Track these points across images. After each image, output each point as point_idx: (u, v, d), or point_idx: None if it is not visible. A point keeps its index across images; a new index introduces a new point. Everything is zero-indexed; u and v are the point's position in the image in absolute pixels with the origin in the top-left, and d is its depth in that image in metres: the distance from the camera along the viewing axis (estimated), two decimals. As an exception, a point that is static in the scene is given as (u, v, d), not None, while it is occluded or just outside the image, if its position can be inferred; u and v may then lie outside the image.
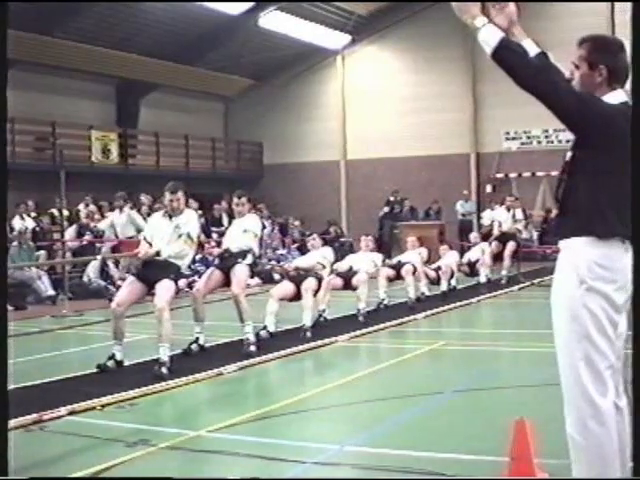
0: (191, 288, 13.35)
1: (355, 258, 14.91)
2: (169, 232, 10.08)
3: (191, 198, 23.32)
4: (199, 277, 13.90)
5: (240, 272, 11.03)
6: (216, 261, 11.88)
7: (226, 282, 11.16)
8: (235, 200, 11.65)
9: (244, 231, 11.29)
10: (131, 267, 15.39)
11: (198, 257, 19.88)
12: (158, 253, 9.82)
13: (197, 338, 10.92)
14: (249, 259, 11.18)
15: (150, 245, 10.03)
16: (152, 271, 9.84)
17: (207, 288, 11.20)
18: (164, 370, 9.26)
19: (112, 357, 9.65)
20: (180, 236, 9.98)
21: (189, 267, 17.51)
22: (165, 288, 9.65)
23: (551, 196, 25.13)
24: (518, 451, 5.26)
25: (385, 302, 15.10)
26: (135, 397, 8.43)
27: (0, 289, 4.23)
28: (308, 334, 11.98)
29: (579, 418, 4.26)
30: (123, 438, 6.91)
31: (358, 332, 12.59)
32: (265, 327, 11.82)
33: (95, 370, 9.53)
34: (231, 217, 11.70)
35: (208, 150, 33.02)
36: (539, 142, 30.27)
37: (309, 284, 12.44)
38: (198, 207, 26.18)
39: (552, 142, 29.13)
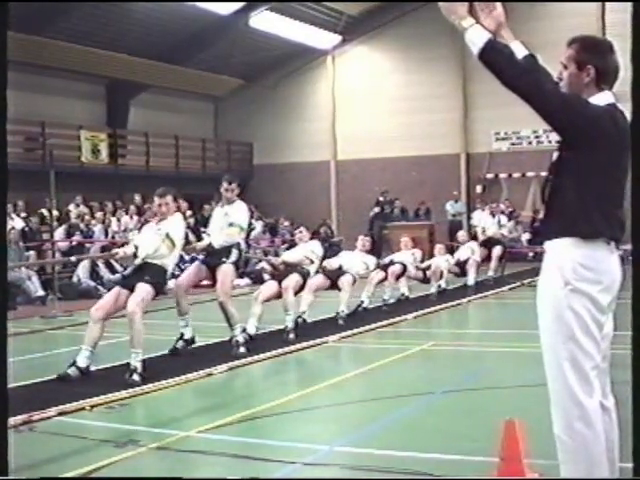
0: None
1: (347, 258, 14.61)
2: (152, 235, 9.98)
3: (180, 198, 23.24)
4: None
5: (225, 273, 10.81)
6: (201, 256, 11.62)
7: (212, 279, 10.99)
8: (225, 185, 11.16)
9: (230, 224, 10.99)
10: None
11: (188, 257, 19.83)
12: (135, 254, 9.62)
13: (182, 334, 10.76)
14: (234, 256, 10.92)
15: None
16: (133, 278, 9.70)
17: (189, 282, 10.98)
18: (135, 377, 9.01)
19: (73, 364, 9.22)
20: (160, 236, 9.81)
21: (179, 267, 17.45)
22: (138, 291, 9.41)
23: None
24: (508, 451, 5.26)
25: (365, 305, 14.88)
26: (125, 398, 8.42)
27: (0, 289, 4.22)
28: (291, 336, 11.84)
29: (566, 419, 4.27)
30: (113, 438, 6.90)
31: (349, 332, 12.59)
32: (245, 329, 11.55)
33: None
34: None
35: (198, 150, 33.04)
36: (529, 142, 30.34)
37: (289, 281, 12.16)
38: (188, 207, 26.23)
39: (542, 143, 29.20)
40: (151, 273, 9.63)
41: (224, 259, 10.85)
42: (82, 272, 20.15)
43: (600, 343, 4.34)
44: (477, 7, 4.51)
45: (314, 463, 6.17)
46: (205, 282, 11.98)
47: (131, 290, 9.56)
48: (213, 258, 10.98)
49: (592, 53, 4.44)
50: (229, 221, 11.03)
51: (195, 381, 9.38)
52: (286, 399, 8.42)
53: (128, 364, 9.20)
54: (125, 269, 10.09)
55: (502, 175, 30.76)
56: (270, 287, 12.46)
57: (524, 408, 7.09)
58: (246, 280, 21.68)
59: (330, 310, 14.24)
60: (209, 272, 11.02)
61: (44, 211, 22.51)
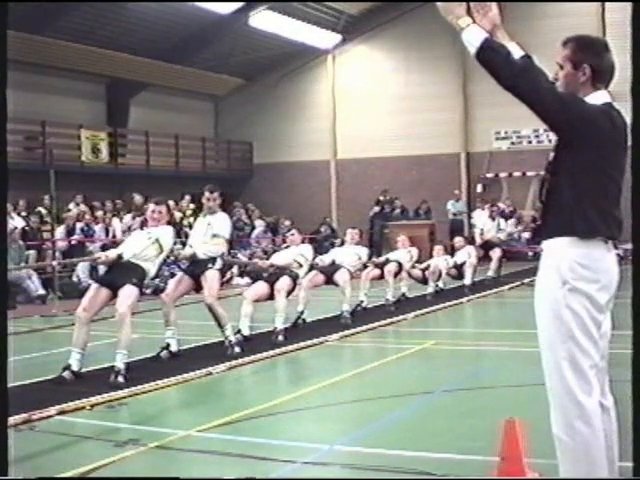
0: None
1: (339, 252, 14.68)
2: (141, 238, 10.00)
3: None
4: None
5: (211, 278, 10.75)
6: (185, 264, 11.43)
7: (196, 287, 10.93)
8: (207, 194, 11.12)
9: (213, 235, 10.91)
10: None
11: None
12: (120, 256, 9.53)
13: (168, 344, 10.66)
14: (219, 264, 10.89)
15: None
16: (115, 275, 9.56)
17: (177, 293, 10.91)
18: (120, 379, 8.93)
19: (68, 367, 9.13)
20: (149, 239, 9.81)
21: (178, 266, 17.45)
22: (126, 294, 9.30)
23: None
24: (508, 451, 5.27)
25: (364, 305, 14.92)
26: (124, 397, 8.43)
27: (0, 288, 4.23)
28: (280, 337, 11.73)
29: (565, 418, 4.27)
30: (113, 438, 6.90)
31: (347, 332, 12.59)
32: (239, 331, 11.54)
33: (85, 370, 9.47)
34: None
35: (198, 149, 33.01)
36: (529, 142, 30.32)
37: (282, 284, 12.06)
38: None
39: (542, 142, 29.13)
40: (137, 275, 9.55)
41: (209, 265, 10.80)
42: (82, 271, 20.15)
43: (598, 342, 4.34)
44: (472, 8, 4.53)
45: (314, 462, 6.17)
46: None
47: (110, 287, 9.50)
48: (197, 267, 10.87)
49: (587, 52, 4.44)
50: (212, 232, 10.97)
51: (194, 380, 9.38)
52: (286, 398, 8.43)
53: (113, 366, 9.14)
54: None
55: (502, 174, 30.73)
56: (260, 287, 12.34)
57: (524, 407, 7.10)
58: (246, 280, 21.64)
59: (329, 309, 14.26)
60: (193, 281, 10.93)
61: (41, 209, 22.51)
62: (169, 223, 10.46)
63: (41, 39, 25.05)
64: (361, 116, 32.56)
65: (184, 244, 12.38)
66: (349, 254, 14.35)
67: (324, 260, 13.82)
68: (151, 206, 10.27)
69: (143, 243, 9.78)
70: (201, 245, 10.90)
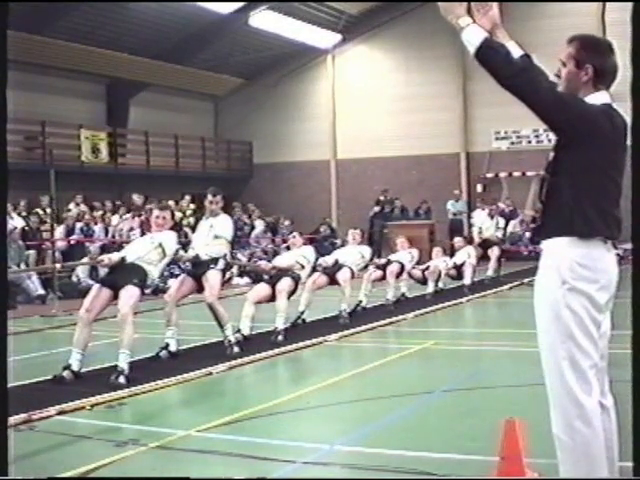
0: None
1: (341, 252, 14.74)
2: (144, 242, 10.08)
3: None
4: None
5: (213, 278, 10.79)
6: (188, 265, 11.52)
7: (198, 288, 10.96)
8: (210, 197, 11.24)
9: (215, 237, 10.97)
10: None
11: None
12: (123, 259, 9.59)
13: (167, 344, 10.67)
14: (221, 264, 10.93)
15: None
16: (117, 276, 9.58)
17: (179, 294, 10.94)
18: (121, 379, 8.93)
19: (68, 367, 9.15)
20: (152, 243, 9.87)
21: (179, 266, 17.50)
22: (128, 294, 9.33)
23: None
24: (508, 450, 5.26)
25: (363, 304, 14.91)
26: (124, 397, 8.43)
27: (0, 288, 4.23)
28: (280, 337, 11.75)
29: (565, 418, 4.27)
30: (113, 438, 6.90)
31: (347, 332, 12.58)
32: (239, 330, 11.55)
33: (85, 370, 9.47)
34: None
35: (198, 149, 33.03)
36: (529, 142, 30.32)
37: (283, 285, 12.13)
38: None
39: (542, 142, 29.11)
40: (138, 276, 9.59)
41: (212, 266, 10.84)
42: (82, 271, 20.14)
43: (598, 342, 4.34)
44: (473, 7, 4.53)
45: (315, 462, 6.17)
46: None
47: (112, 288, 9.51)
48: (200, 268, 10.91)
49: (591, 52, 4.44)
50: (214, 233, 11.04)
51: (195, 380, 9.38)
52: (286, 398, 8.43)
53: (114, 366, 9.15)
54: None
55: (502, 174, 30.73)
56: (262, 289, 12.40)
57: (524, 407, 7.10)
58: (246, 279, 21.68)
59: (329, 309, 14.24)
60: (195, 282, 10.97)
61: (39, 210, 22.51)
62: (172, 229, 10.51)
63: (41, 39, 25.06)
64: (361, 116, 32.56)
65: (184, 244, 12.39)
66: (352, 253, 14.42)
67: (327, 261, 13.87)
68: (155, 212, 10.36)
69: (146, 247, 9.85)
70: (203, 246, 10.96)
